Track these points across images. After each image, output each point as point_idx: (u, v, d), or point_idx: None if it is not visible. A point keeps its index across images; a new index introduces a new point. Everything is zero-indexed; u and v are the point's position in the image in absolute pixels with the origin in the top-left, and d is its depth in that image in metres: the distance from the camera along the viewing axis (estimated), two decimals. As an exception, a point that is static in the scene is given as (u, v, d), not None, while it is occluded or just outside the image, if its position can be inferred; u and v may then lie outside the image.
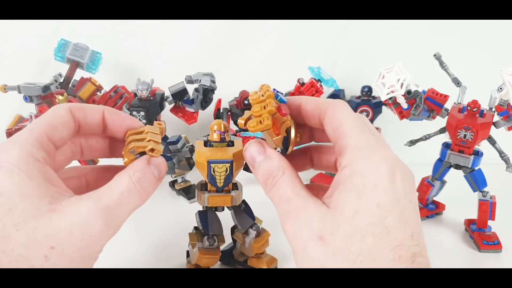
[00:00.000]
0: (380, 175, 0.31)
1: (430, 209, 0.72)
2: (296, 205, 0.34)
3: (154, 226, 0.67)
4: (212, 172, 0.44)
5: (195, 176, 0.54)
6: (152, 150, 0.37)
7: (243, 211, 0.50)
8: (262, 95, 0.36)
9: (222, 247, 0.53)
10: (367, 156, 0.32)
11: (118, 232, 0.42)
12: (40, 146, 0.33)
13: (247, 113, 0.39)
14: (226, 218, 0.51)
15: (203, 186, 0.49)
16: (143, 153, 0.37)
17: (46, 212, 0.31)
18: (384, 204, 0.30)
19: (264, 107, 0.35)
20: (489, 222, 0.65)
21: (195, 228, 0.53)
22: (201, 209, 0.51)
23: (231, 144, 0.46)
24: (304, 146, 0.43)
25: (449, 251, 0.63)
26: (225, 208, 0.50)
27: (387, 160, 0.32)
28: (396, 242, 0.30)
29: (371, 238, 0.30)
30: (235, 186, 0.49)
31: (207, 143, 0.46)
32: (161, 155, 0.43)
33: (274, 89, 0.38)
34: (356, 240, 0.30)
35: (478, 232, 0.65)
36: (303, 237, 0.32)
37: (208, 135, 0.47)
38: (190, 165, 0.48)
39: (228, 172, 0.45)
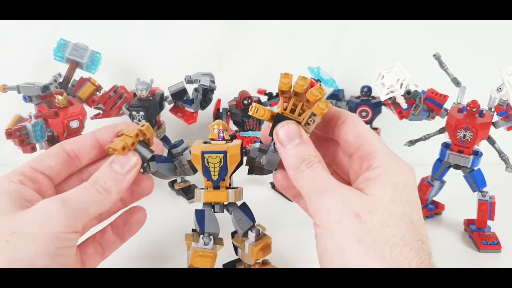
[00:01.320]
0: (408, 177, 0.36)
1: (430, 209, 0.72)
2: (333, 184, 0.36)
3: (153, 226, 0.66)
4: (206, 163, 0.44)
5: (194, 176, 0.54)
6: (113, 150, 0.40)
7: (242, 213, 0.49)
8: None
9: (225, 262, 0.52)
10: (397, 161, 0.37)
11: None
12: (18, 173, 0.38)
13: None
14: (229, 224, 0.50)
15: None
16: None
17: (13, 213, 0.34)
18: (411, 202, 0.35)
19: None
20: (489, 222, 0.65)
21: (193, 230, 0.52)
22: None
23: (229, 142, 0.46)
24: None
25: (448, 251, 0.63)
26: (226, 211, 0.49)
27: (411, 168, 0.37)
28: (419, 237, 0.34)
29: (403, 226, 0.33)
30: (233, 187, 0.48)
31: (206, 142, 0.46)
32: (164, 157, 0.44)
33: None
34: (392, 223, 0.33)
35: (478, 232, 0.65)
36: (339, 211, 0.34)
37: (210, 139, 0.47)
38: (194, 168, 0.48)
39: (222, 163, 0.44)
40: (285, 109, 0.40)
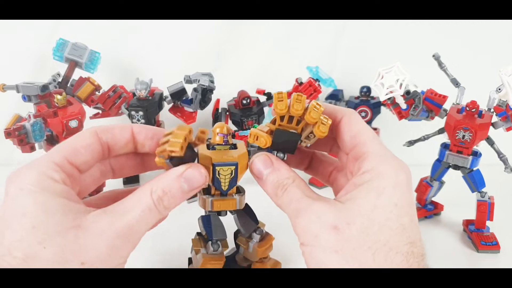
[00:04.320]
0: (398, 179, 0.34)
1: (429, 209, 0.72)
2: (307, 202, 0.35)
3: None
4: (217, 175, 0.42)
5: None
6: (171, 151, 0.35)
7: (246, 215, 0.49)
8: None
9: (225, 253, 0.52)
10: (387, 163, 0.35)
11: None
12: (58, 169, 0.34)
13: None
14: (229, 223, 0.50)
15: (205, 190, 0.47)
16: (173, 158, 0.36)
17: (70, 228, 0.31)
18: (401, 205, 0.33)
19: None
20: (487, 223, 0.65)
21: (198, 234, 0.52)
22: (203, 214, 0.50)
23: (233, 147, 0.45)
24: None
25: (447, 252, 0.63)
26: (228, 212, 0.49)
27: (404, 168, 0.35)
28: (410, 239, 0.33)
29: (388, 232, 0.32)
30: (238, 190, 0.48)
31: (209, 146, 0.44)
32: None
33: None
34: (373, 231, 0.32)
35: (476, 233, 0.65)
36: (315, 227, 0.33)
37: (210, 138, 0.46)
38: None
39: (233, 175, 0.43)
40: (282, 120, 0.39)
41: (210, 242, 0.48)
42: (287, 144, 0.40)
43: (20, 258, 0.30)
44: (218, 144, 0.44)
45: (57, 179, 0.33)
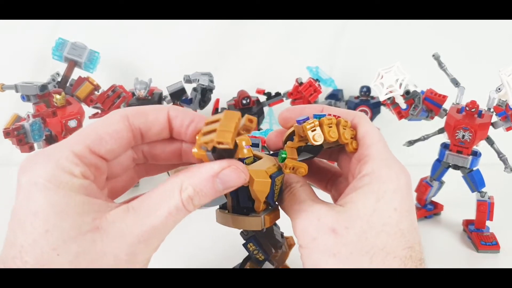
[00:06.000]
0: (399, 183, 0.34)
1: (428, 209, 0.72)
2: (309, 204, 0.35)
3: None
4: (274, 187, 0.39)
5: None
6: (219, 143, 0.31)
7: (273, 225, 0.47)
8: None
9: (232, 267, 0.50)
10: (389, 167, 0.35)
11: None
12: (78, 161, 0.30)
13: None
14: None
15: (234, 209, 0.41)
16: (215, 149, 0.32)
17: (87, 231, 0.28)
18: (401, 209, 0.33)
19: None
20: (487, 223, 0.65)
21: (246, 259, 0.48)
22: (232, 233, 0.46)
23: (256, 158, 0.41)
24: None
25: (447, 252, 0.63)
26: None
27: (405, 172, 0.35)
28: (408, 244, 0.33)
29: (385, 236, 0.32)
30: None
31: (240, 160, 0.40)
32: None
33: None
34: (372, 235, 0.32)
35: (476, 233, 0.65)
36: (314, 229, 0.33)
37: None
38: None
39: (282, 183, 0.40)
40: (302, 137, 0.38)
41: (267, 262, 0.46)
42: (311, 153, 0.40)
43: (31, 264, 0.28)
44: (247, 157, 0.40)
45: (76, 174, 0.29)
